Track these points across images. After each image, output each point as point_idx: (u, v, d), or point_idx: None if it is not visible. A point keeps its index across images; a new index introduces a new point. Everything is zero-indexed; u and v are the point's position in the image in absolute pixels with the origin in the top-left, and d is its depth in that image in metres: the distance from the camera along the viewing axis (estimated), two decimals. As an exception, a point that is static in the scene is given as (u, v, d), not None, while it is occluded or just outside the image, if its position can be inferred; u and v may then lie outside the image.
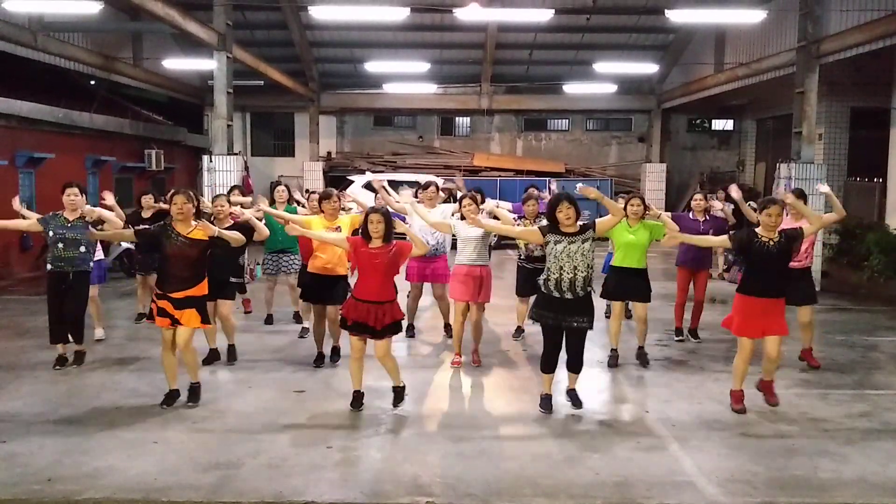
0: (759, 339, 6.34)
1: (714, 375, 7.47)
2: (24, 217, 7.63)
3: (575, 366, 6.40)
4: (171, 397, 6.46)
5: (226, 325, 7.85)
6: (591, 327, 6.28)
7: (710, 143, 24.37)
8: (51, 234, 7.39)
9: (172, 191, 6.51)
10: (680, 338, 8.80)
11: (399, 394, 6.49)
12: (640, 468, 5.23)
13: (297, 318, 9.56)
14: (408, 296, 8.76)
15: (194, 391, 6.51)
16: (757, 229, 6.33)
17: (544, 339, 6.38)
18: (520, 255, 8.74)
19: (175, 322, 6.28)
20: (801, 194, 7.46)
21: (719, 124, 24.33)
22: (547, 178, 20.47)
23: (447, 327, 8.91)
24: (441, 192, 9.13)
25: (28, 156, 13.30)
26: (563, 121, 24.19)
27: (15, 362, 7.79)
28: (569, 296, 6.11)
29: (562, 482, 5.00)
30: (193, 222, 6.34)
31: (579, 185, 7.50)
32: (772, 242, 6.17)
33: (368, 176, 19.27)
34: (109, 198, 7.75)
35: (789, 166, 12.87)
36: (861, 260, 12.34)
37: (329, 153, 23.30)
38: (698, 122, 24.41)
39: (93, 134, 15.73)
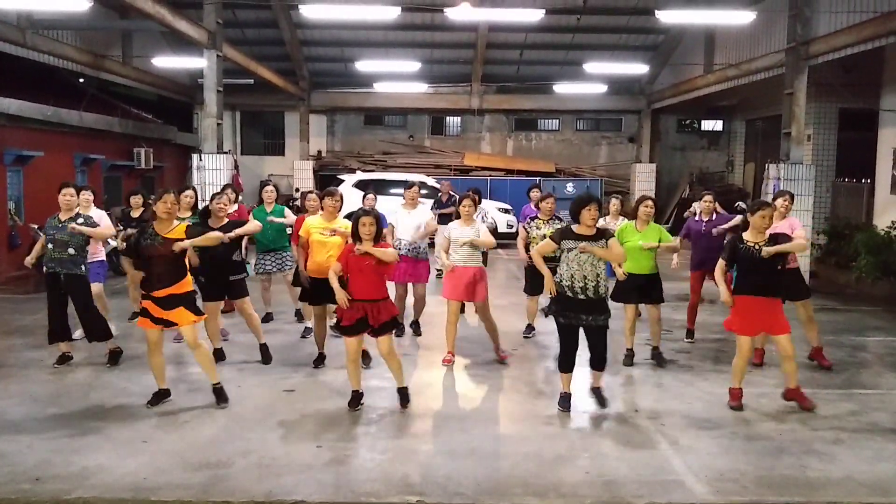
0: (747, 343, 6.42)
1: (704, 374, 7.51)
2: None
3: (597, 363, 6.41)
4: (158, 396, 6.43)
5: (251, 322, 7.77)
6: (607, 325, 6.35)
7: (700, 144, 24.45)
8: (45, 235, 7.40)
9: (161, 190, 6.51)
10: (691, 339, 8.83)
11: (405, 394, 6.46)
12: (630, 467, 5.25)
13: (299, 315, 9.56)
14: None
15: (218, 392, 6.42)
16: (744, 234, 6.45)
17: (560, 338, 6.43)
18: (530, 257, 8.73)
19: (160, 323, 6.23)
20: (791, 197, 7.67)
21: (709, 125, 24.40)
22: (538, 178, 20.62)
23: (415, 324, 9.13)
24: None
25: (16, 154, 13.21)
26: (554, 121, 24.23)
27: (3, 361, 7.74)
28: (582, 297, 6.18)
29: (552, 481, 5.01)
30: (175, 222, 6.34)
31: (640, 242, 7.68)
32: (758, 247, 6.27)
33: (359, 175, 19.39)
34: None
35: (778, 167, 12.94)
36: (849, 261, 12.41)
37: (319, 152, 23.25)
38: (688, 122, 24.48)
39: (82, 132, 15.64)
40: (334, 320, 6.59)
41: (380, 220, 6.31)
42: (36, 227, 12.74)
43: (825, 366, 7.73)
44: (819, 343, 7.85)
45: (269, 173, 22.86)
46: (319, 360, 7.69)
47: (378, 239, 6.31)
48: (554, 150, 23.97)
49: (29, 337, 8.77)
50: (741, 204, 14.86)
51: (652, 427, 6.03)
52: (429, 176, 19.22)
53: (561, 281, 6.28)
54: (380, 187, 16.21)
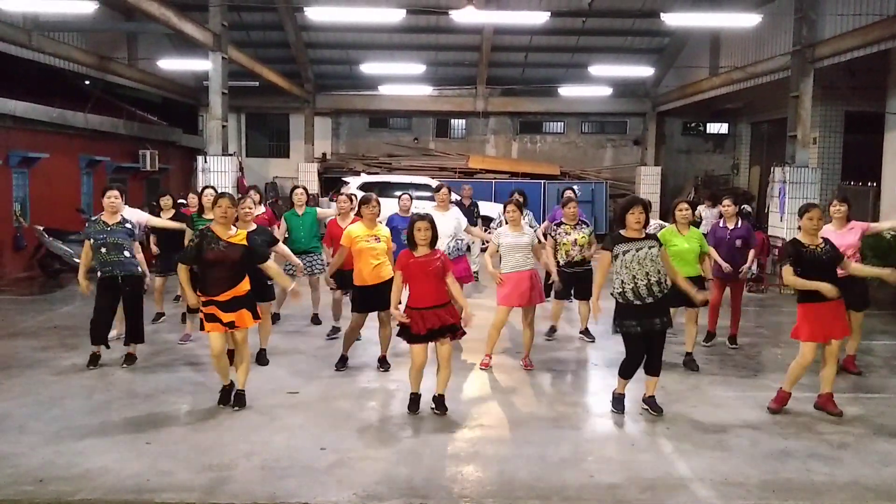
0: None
1: (708, 378, 7.48)
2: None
3: (655, 369, 6.35)
4: (227, 393, 6.46)
5: (264, 326, 7.71)
6: (671, 325, 6.31)
7: (705, 147, 24.41)
8: (92, 241, 7.37)
9: (219, 193, 6.51)
10: (709, 343, 8.77)
11: (441, 401, 6.37)
12: (634, 471, 5.23)
13: (316, 319, 9.57)
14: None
15: (239, 397, 6.43)
16: (799, 237, 6.37)
17: (629, 349, 6.30)
18: (559, 262, 8.59)
19: (227, 325, 6.21)
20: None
21: (714, 128, 24.37)
22: (542, 182, 20.66)
23: None
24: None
25: (22, 155, 13.26)
26: (559, 123, 24.21)
27: (7, 362, 7.74)
28: (650, 300, 6.07)
29: (556, 484, 4.99)
30: (234, 227, 6.34)
31: None
32: (819, 249, 6.23)
33: (364, 178, 19.40)
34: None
35: (784, 170, 12.91)
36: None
37: (324, 154, 23.27)
38: (693, 125, 24.44)
39: (87, 134, 15.69)
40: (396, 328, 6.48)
41: (434, 225, 6.26)
42: (41, 228, 12.79)
43: (854, 372, 7.70)
44: (856, 351, 7.84)
45: (273, 175, 22.93)
46: (342, 363, 7.64)
47: (434, 244, 6.27)
48: (559, 153, 23.95)
49: (33, 338, 8.79)
50: (746, 207, 14.85)
51: (657, 431, 6.01)
52: (433, 178, 19.22)
53: (623, 291, 6.10)
54: (384, 190, 16.21)
